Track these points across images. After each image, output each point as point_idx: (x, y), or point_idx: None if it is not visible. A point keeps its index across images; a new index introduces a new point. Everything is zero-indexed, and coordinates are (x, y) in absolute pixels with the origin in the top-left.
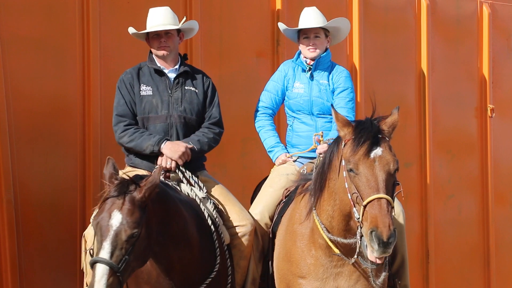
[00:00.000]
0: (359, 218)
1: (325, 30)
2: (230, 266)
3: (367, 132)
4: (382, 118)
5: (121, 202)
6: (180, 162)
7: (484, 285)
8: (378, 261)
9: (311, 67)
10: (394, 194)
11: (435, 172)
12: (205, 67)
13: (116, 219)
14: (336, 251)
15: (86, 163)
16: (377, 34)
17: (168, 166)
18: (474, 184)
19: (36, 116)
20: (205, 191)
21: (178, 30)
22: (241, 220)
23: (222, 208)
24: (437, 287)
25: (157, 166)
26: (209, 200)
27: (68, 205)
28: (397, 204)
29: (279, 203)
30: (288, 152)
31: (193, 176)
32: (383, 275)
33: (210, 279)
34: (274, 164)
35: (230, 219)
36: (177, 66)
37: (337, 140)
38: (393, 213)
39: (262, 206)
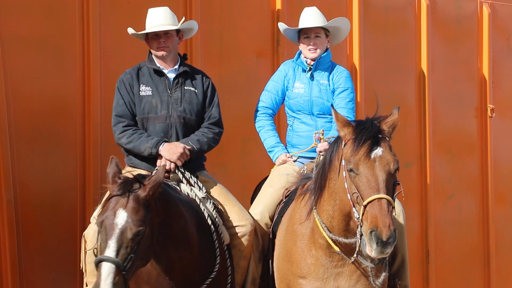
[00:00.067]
0: (358, 217)
1: (325, 30)
2: (230, 266)
3: (367, 132)
4: (382, 118)
5: (126, 201)
6: (178, 163)
7: (484, 285)
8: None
9: (312, 67)
10: (395, 194)
11: (435, 172)
12: (205, 67)
13: (121, 217)
14: (336, 249)
15: (86, 163)
16: (377, 34)
17: (167, 168)
18: (474, 184)
19: (36, 116)
20: (204, 191)
21: (178, 30)
22: (241, 220)
23: (222, 208)
24: (437, 287)
25: (160, 165)
26: (208, 200)
27: (68, 205)
28: (397, 204)
29: (279, 203)
30: (288, 152)
31: (193, 176)
32: (383, 275)
33: (210, 279)
34: (274, 164)
35: (230, 219)
36: (176, 66)
37: (337, 140)
38: (393, 213)
39: (262, 206)
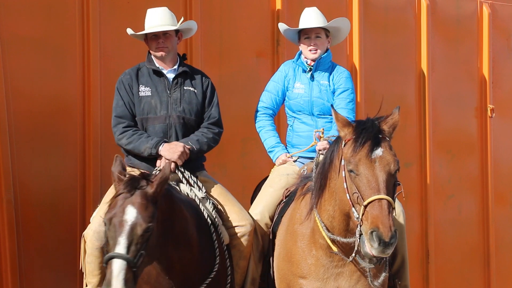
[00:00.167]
0: (358, 217)
1: (326, 30)
2: (230, 266)
3: (367, 132)
4: (382, 118)
5: (134, 198)
6: (179, 162)
7: (484, 285)
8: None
9: (312, 67)
10: (395, 195)
11: (435, 172)
12: (205, 67)
13: (131, 214)
14: (334, 249)
15: (86, 163)
16: (377, 34)
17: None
18: (474, 184)
19: (36, 116)
20: (204, 191)
21: (177, 30)
22: (240, 220)
23: (221, 208)
24: (437, 287)
25: (160, 165)
26: (208, 200)
27: (68, 205)
28: (397, 205)
29: (279, 203)
30: (288, 152)
31: (192, 176)
32: (383, 275)
33: (209, 279)
34: (274, 164)
35: (230, 219)
36: (176, 67)
37: (338, 140)
38: (394, 214)
39: (262, 206)
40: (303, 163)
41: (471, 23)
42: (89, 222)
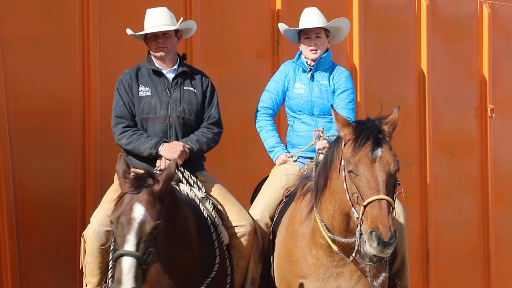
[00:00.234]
0: (358, 217)
1: (326, 30)
2: (230, 266)
3: (367, 132)
4: (382, 118)
5: (141, 195)
6: (179, 161)
7: (484, 285)
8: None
9: (312, 67)
10: (395, 195)
11: (435, 172)
12: (205, 67)
13: (139, 211)
14: (335, 248)
15: (86, 163)
16: (377, 34)
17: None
18: (474, 184)
19: (36, 116)
20: (204, 191)
21: (176, 30)
22: (240, 220)
23: (221, 208)
24: (437, 287)
25: (167, 161)
26: (208, 200)
27: (68, 205)
28: (397, 205)
29: (279, 203)
30: (289, 152)
31: (192, 176)
32: (383, 275)
33: (209, 279)
34: (274, 164)
35: (229, 219)
36: (175, 67)
37: (338, 140)
38: (393, 214)
39: (263, 206)
40: (303, 163)
41: (471, 23)
42: (89, 222)
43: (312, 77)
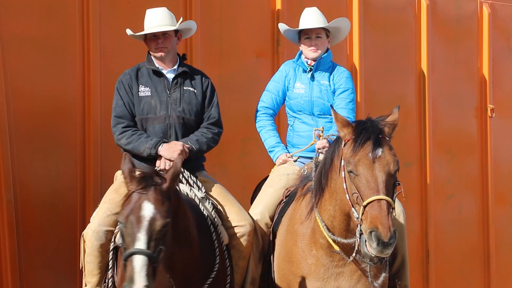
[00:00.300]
0: (358, 217)
1: (326, 30)
2: (229, 266)
3: (367, 132)
4: (382, 117)
5: (150, 194)
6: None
7: (484, 285)
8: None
9: (312, 67)
10: (395, 195)
11: (435, 172)
12: (205, 67)
13: (148, 209)
14: (336, 248)
15: (86, 163)
16: (377, 34)
17: (167, 168)
18: (474, 184)
19: (36, 116)
20: (203, 191)
21: (176, 31)
22: (239, 221)
23: (221, 209)
24: (437, 287)
25: (179, 156)
26: (207, 200)
27: (68, 205)
28: (397, 205)
29: (279, 203)
30: (289, 152)
31: (192, 176)
32: (383, 275)
33: (211, 279)
34: (275, 164)
35: (229, 219)
36: (175, 67)
37: (338, 140)
38: (393, 214)
39: (263, 206)
40: (304, 163)
41: (471, 23)
42: (89, 222)
43: (312, 77)
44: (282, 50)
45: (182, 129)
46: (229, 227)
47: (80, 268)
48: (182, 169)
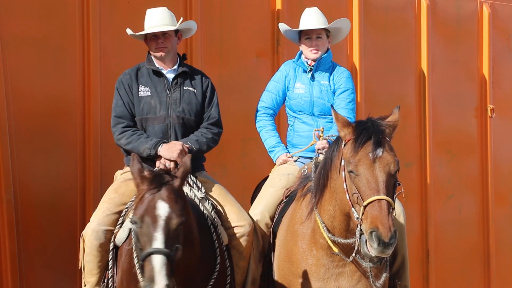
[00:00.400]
0: (358, 217)
1: (326, 30)
2: (229, 267)
3: (367, 132)
4: (382, 118)
5: (163, 193)
6: (179, 160)
7: (484, 285)
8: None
9: (312, 68)
10: (395, 195)
11: (435, 172)
12: (205, 67)
13: (163, 209)
14: (335, 249)
15: (86, 163)
16: (377, 34)
17: (167, 167)
18: (474, 184)
19: (36, 116)
20: (203, 191)
21: (176, 31)
22: (239, 221)
23: (220, 209)
24: (437, 287)
25: (187, 155)
26: (207, 201)
27: (68, 205)
28: (397, 205)
29: (279, 203)
30: (289, 152)
31: (192, 176)
32: (384, 276)
33: (213, 280)
34: (275, 164)
35: (229, 219)
36: (175, 67)
37: (338, 140)
38: (394, 214)
39: (263, 206)
40: (304, 163)
41: (471, 23)
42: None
43: (313, 77)
44: (282, 50)
45: (182, 129)
46: (228, 228)
47: (80, 267)
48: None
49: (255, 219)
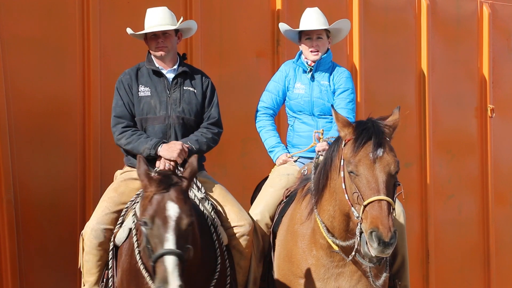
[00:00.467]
0: (358, 216)
1: (327, 31)
2: (229, 267)
3: (368, 132)
4: (383, 118)
5: (172, 194)
6: (179, 160)
7: (484, 285)
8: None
9: (312, 68)
10: (395, 196)
11: (435, 172)
12: (205, 67)
13: (173, 209)
14: (335, 247)
15: (86, 163)
16: (377, 34)
17: (167, 168)
18: (474, 184)
19: (36, 116)
20: (203, 191)
21: (176, 30)
22: (239, 220)
23: (220, 209)
24: (437, 287)
25: (193, 155)
26: (207, 201)
27: (68, 205)
28: (397, 205)
29: (280, 203)
30: (289, 152)
31: None
32: (384, 275)
33: (215, 280)
34: (275, 164)
35: (229, 219)
36: (175, 66)
37: (338, 140)
38: (394, 214)
39: (263, 206)
40: (304, 163)
41: (471, 23)
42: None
43: (313, 78)
44: (282, 50)
45: (181, 130)
46: (228, 227)
47: (79, 267)
48: (182, 169)
49: (255, 219)
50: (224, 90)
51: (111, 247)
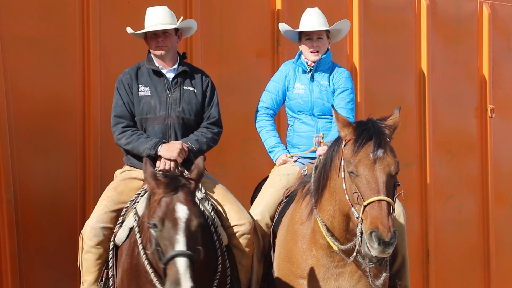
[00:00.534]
0: (358, 216)
1: (327, 31)
2: (229, 267)
3: (368, 133)
4: (383, 118)
5: (180, 195)
6: (179, 160)
7: (484, 285)
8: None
9: (312, 68)
10: (395, 196)
11: (435, 172)
12: (205, 67)
13: (183, 211)
14: (335, 247)
15: (86, 163)
16: (377, 34)
17: (167, 168)
18: (474, 184)
19: (36, 116)
20: (203, 191)
21: (176, 29)
22: (239, 220)
23: (220, 209)
24: (437, 287)
25: (200, 157)
26: (207, 201)
27: (68, 205)
28: (397, 205)
29: (280, 203)
30: (289, 152)
31: None
32: (384, 275)
33: (217, 280)
34: (275, 164)
35: (229, 218)
36: (175, 66)
37: (338, 140)
38: (393, 214)
39: (263, 206)
40: (304, 163)
41: (471, 23)
42: None
43: (312, 78)
44: (282, 50)
45: (181, 129)
46: (228, 227)
47: (78, 266)
48: (181, 169)
49: (255, 219)
50: (224, 90)
51: (111, 247)
